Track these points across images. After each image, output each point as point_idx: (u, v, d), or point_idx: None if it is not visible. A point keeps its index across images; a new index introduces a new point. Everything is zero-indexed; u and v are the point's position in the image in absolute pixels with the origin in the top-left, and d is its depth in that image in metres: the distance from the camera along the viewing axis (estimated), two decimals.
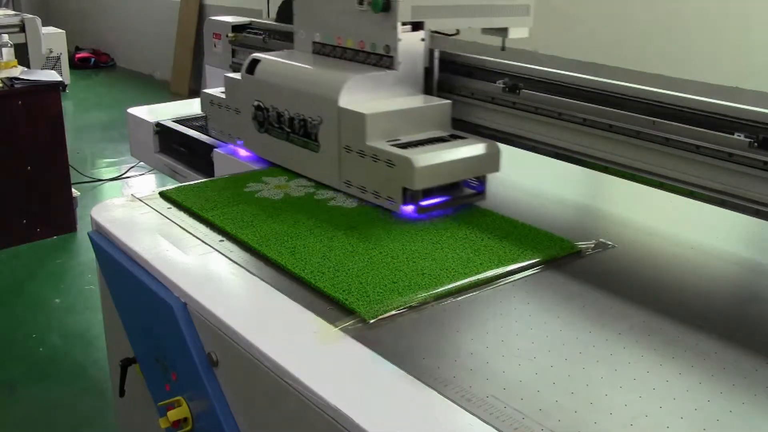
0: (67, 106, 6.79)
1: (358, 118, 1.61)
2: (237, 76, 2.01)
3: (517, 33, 1.91)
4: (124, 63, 9.37)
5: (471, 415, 0.97)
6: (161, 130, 2.51)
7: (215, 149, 2.16)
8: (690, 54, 4.59)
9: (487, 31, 1.91)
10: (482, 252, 1.43)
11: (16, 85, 3.87)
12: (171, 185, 1.83)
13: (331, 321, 1.19)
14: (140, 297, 1.42)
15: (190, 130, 2.50)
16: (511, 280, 1.35)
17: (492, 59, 1.81)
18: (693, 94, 1.43)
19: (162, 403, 1.36)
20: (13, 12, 7.12)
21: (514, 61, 1.77)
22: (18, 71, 4.18)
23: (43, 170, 4.01)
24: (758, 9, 4.35)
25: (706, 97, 1.41)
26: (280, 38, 2.56)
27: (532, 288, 1.32)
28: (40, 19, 6.46)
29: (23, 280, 3.74)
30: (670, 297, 1.31)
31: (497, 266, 1.38)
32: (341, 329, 1.17)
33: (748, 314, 1.28)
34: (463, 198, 1.65)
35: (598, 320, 1.22)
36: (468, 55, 1.86)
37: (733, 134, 1.35)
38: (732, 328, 1.20)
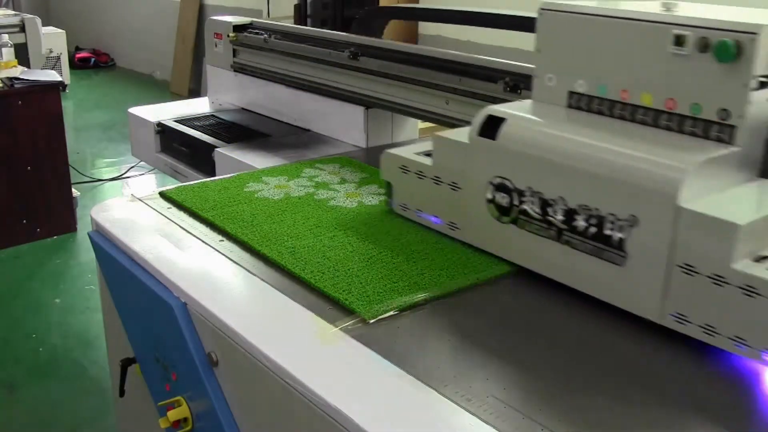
0: (67, 106, 6.80)
1: (722, 228, 1.06)
2: (460, 137, 1.42)
3: None
4: (124, 63, 9.37)
5: (471, 415, 0.97)
6: (162, 129, 2.51)
7: (216, 149, 2.16)
8: None
9: None
10: (482, 252, 1.43)
11: (16, 85, 3.87)
12: (171, 185, 1.83)
13: (331, 321, 1.19)
14: (140, 297, 1.42)
15: (191, 129, 2.51)
16: (511, 279, 1.35)
17: None
18: None
19: (162, 403, 1.36)
20: (13, 12, 7.11)
21: None
22: (18, 71, 4.18)
23: (43, 170, 4.01)
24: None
25: None
26: (281, 38, 2.57)
27: (531, 288, 1.32)
28: (40, 19, 6.46)
29: (23, 280, 3.74)
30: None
31: (497, 266, 1.37)
32: (341, 329, 1.17)
33: None
34: None
35: (599, 320, 1.22)
36: None
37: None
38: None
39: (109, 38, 9.53)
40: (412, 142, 2.28)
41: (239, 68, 2.79)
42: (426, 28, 5.37)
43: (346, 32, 2.41)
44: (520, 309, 1.25)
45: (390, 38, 2.13)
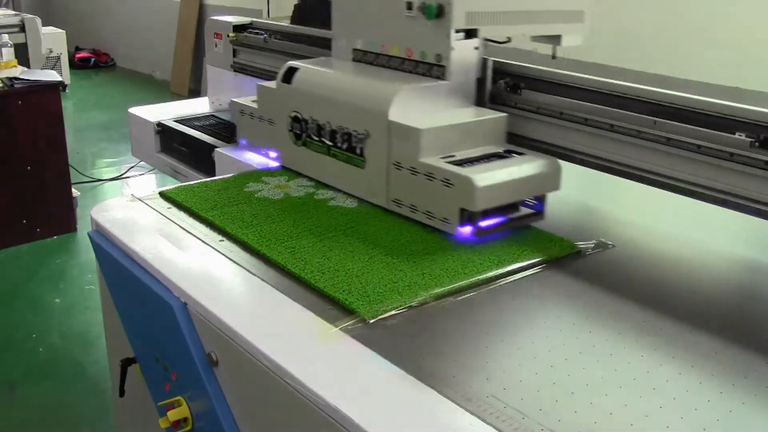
0: (67, 106, 6.80)
1: (412, 133, 1.50)
2: (271, 84, 1.89)
3: (571, 40, 1.77)
4: (124, 63, 9.37)
5: (471, 415, 0.97)
6: (162, 129, 2.51)
7: (216, 149, 2.16)
8: (690, 54, 4.59)
9: (538, 38, 1.77)
10: (482, 252, 1.43)
11: (16, 85, 3.87)
12: (171, 185, 1.83)
13: (331, 321, 1.19)
14: (140, 297, 1.42)
15: (191, 129, 2.51)
16: (511, 280, 1.35)
17: (546, 69, 1.66)
18: (693, 94, 1.43)
19: (162, 403, 1.36)
20: (13, 12, 7.12)
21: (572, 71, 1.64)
22: (18, 71, 4.18)
23: (43, 170, 4.01)
24: (758, 9, 4.35)
25: (707, 97, 1.41)
26: (281, 38, 2.57)
27: (532, 288, 1.32)
28: (40, 19, 6.46)
29: (23, 280, 3.74)
30: (670, 297, 1.31)
31: (497, 266, 1.37)
32: (341, 329, 1.17)
33: (748, 314, 1.28)
34: (521, 219, 1.54)
35: (599, 320, 1.22)
36: (525, 65, 1.70)
37: (734, 134, 1.35)
38: (732, 328, 1.20)
39: (109, 38, 9.53)
40: None
41: (239, 68, 2.78)
42: None
43: None
44: (520, 309, 1.25)
45: None
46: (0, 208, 3.92)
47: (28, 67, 4.99)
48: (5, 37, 4.38)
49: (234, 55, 2.81)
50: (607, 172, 1.58)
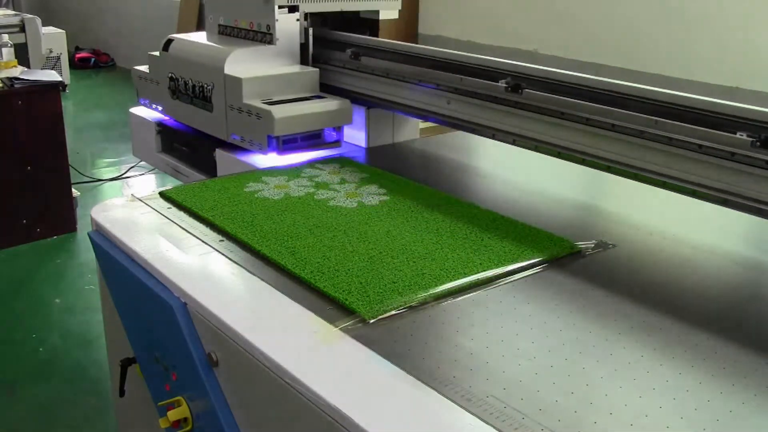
0: (67, 106, 6.80)
1: (237, 81, 2.02)
2: (156, 53, 2.42)
3: (389, 14, 2.30)
4: (124, 63, 9.37)
5: (471, 415, 0.97)
6: (163, 129, 2.51)
7: (218, 149, 2.16)
8: (690, 54, 4.59)
9: (364, 14, 2.32)
10: (482, 252, 1.43)
11: (16, 85, 3.87)
12: (171, 185, 1.83)
13: (331, 321, 1.19)
14: (140, 297, 1.42)
15: (191, 129, 2.50)
16: (511, 280, 1.35)
17: (345, 34, 2.21)
18: (694, 94, 1.43)
19: (162, 403, 1.36)
20: (13, 12, 7.11)
21: (359, 35, 2.19)
22: (18, 71, 4.18)
23: (43, 170, 4.01)
24: (758, 9, 4.35)
25: (708, 97, 1.41)
26: None
27: (532, 288, 1.32)
28: (40, 19, 6.46)
29: (23, 280, 3.74)
30: (670, 297, 1.30)
31: (497, 266, 1.37)
32: (341, 329, 1.17)
33: (748, 314, 1.28)
34: (321, 144, 2.06)
35: (598, 320, 1.22)
36: (335, 32, 2.25)
37: (735, 133, 1.35)
38: (732, 328, 1.20)
39: (109, 38, 9.53)
40: (413, 142, 2.29)
41: None
42: (426, 28, 5.38)
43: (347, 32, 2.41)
44: (521, 308, 1.25)
45: (390, 38, 2.15)
46: (0, 208, 3.92)
47: (28, 67, 4.99)
48: (5, 37, 4.38)
49: None
50: (607, 171, 1.58)
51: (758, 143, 1.32)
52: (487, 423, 0.95)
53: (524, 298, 1.29)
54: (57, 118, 4.01)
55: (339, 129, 2.08)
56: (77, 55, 9.14)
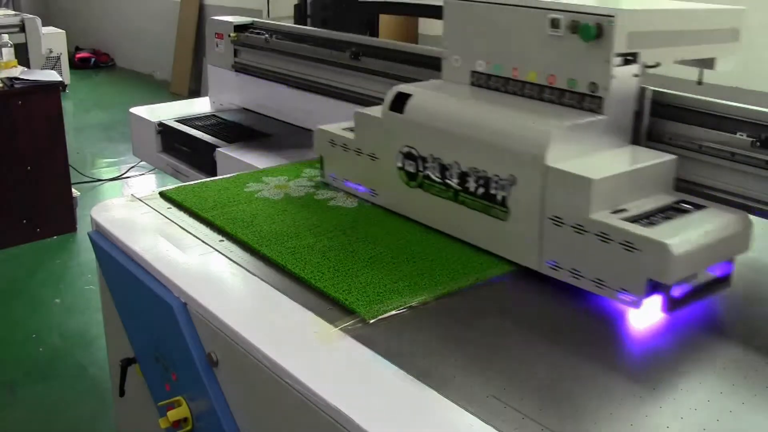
0: (67, 106, 6.79)
1: (580, 183, 1.23)
2: (375, 112, 1.62)
3: (725, 64, 1.53)
4: (124, 63, 9.37)
5: (471, 415, 0.96)
6: (164, 129, 2.51)
7: (218, 149, 2.16)
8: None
9: (687, 62, 1.50)
10: (482, 252, 1.43)
11: (16, 85, 3.87)
12: (171, 185, 1.83)
13: (331, 321, 1.19)
14: (140, 297, 1.42)
15: (192, 129, 2.51)
16: (512, 279, 1.34)
17: (727, 103, 1.41)
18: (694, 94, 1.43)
19: (162, 403, 1.36)
20: (13, 12, 7.11)
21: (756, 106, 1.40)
22: (18, 71, 4.18)
23: (43, 170, 4.01)
24: (758, 9, 4.34)
25: (708, 97, 1.41)
26: (283, 38, 2.57)
27: (532, 287, 1.32)
28: (40, 19, 6.46)
29: (23, 280, 3.74)
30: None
31: (497, 266, 1.37)
32: (341, 329, 1.16)
33: (748, 314, 1.28)
34: (711, 286, 1.28)
35: (598, 320, 1.22)
36: (693, 96, 1.46)
37: (735, 134, 1.35)
38: (732, 328, 1.20)
39: (109, 38, 9.53)
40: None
41: (240, 68, 2.79)
42: (426, 28, 5.37)
43: (347, 32, 2.41)
44: (520, 308, 1.25)
45: (390, 38, 2.13)
46: (0, 208, 3.92)
47: (28, 67, 4.99)
48: (5, 37, 4.37)
49: (235, 55, 2.81)
50: None
51: (758, 143, 1.31)
52: (487, 423, 0.95)
53: (524, 297, 1.29)
54: (57, 118, 4.01)
55: (732, 260, 1.30)
56: (77, 55, 9.14)
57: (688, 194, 1.35)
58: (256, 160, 2.03)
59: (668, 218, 1.24)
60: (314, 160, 2.01)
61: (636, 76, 1.40)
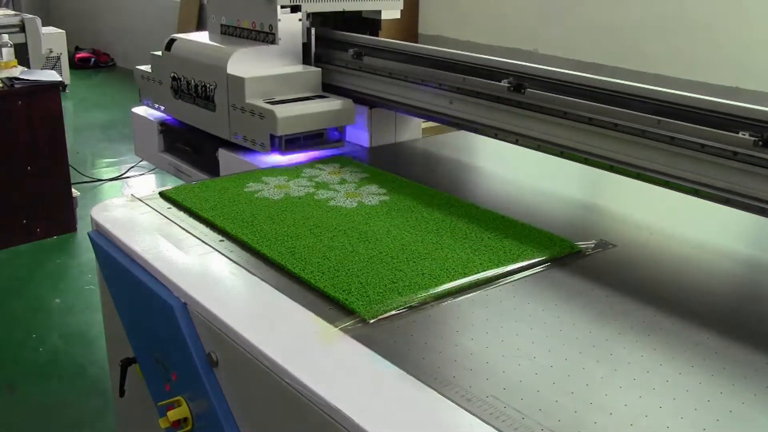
0: (67, 106, 6.80)
1: (240, 81, 2.03)
2: (159, 53, 2.42)
3: (390, 14, 2.31)
4: (124, 63, 9.37)
5: (471, 415, 0.96)
6: (166, 129, 2.51)
7: (220, 148, 2.16)
8: (689, 54, 4.59)
9: (366, 13, 2.33)
10: (482, 252, 1.43)
11: (16, 85, 3.87)
12: (171, 185, 1.82)
13: (331, 321, 1.19)
14: (140, 297, 1.42)
15: (194, 129, 2.50)
16: (511, 280, 1.35)
17: (349, 34, 2.22)
18: (696, 94, 1.43)
19: (162, 403, 1.36)
20: (13, 12, 7.11)
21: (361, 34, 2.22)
22: (18, 71, 4.18)
23: (43, 170, 4.01)
24: (758, 9, 4.35)
25: (711, 97, 1.41)
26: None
27: (532, 288, 1.32)
28: (40, 19, 6.46)
29: (23, 280, 3.74)
30: (670, 296, 1.30)
31: (497, 266, 1.37)
32: (341, 329, 1.16)
33: (749, 314, 1.28)
34: (324, 143, 2.07)
35: (598, 320, 1.22)
36: (337, 32, 2.25)
37: (737, 133, 1.35)
38: (733, 328, 1.20)
39: (109, 38, 9.53)
40: (415, 142, 2.28)
41: None
42: (426, 28, 5.38)
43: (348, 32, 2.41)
44: (521, 308, 1.25)
45: (390, 38, 2.14)
46: (0, 208, 3.92)
47: (28, 67, 4.99)
48: (5, 37, 4.38)
49: None
50: (610, 171, 1.58)
51: (761, 143, 1.32)
52: (487, 423, 0.95)
53: (524, 298, 1.29)
54: (57, 118, 4.01)
55: (342, 129, 2.08)
56: (77, 55, 9.14)
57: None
58: (260, 160, 2.03)
59: (294, 102, 2.02)
60: (314, 160, 2.01)
61: (300, 20, 2.18)
